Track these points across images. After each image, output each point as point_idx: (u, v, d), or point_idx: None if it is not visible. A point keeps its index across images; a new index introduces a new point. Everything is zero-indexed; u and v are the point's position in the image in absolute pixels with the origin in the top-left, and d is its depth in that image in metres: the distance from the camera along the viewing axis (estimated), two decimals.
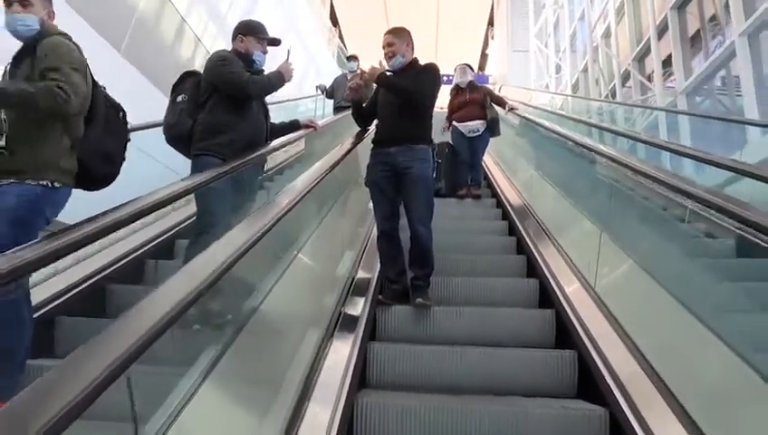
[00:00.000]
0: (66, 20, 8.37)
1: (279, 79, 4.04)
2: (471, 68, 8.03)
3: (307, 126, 4.69)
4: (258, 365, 2.55)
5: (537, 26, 26.31)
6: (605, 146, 4.81)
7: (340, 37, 31.01)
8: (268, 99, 4.27)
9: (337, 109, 9.54)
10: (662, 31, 13.04)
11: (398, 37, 4.39)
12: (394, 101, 4.38)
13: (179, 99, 3.96)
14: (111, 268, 4.36)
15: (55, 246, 1.83)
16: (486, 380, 3.46)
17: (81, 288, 4.00)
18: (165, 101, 9.23)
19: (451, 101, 7.94)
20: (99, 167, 3.00)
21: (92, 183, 3.06)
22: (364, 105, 4.80)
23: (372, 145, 4.58)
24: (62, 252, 1.86)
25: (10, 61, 2.91)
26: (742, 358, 2.32)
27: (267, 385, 2.58)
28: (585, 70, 18.43)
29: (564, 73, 21.66)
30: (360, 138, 4.95)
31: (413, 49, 4.48)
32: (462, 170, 7.68)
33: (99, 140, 2.97)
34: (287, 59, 4.16)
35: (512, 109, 7.89)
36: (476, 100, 7.62)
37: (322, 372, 3.01)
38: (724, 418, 2.40)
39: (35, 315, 3.41)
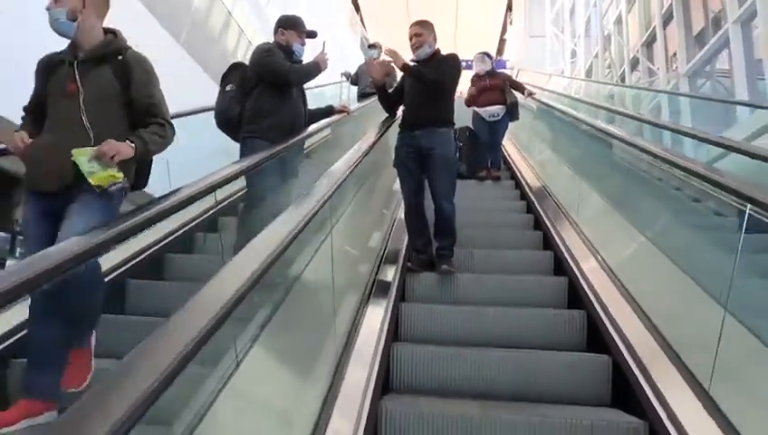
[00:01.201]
0: (138, 17, 8.90)
1: (316, 68, 4.17)
2: (489, 56, 7.95)
3: (341, 111, 4.76)
4: (307, 324, 2.75)
5: (553, 12, 25.82)
6: (613, 126, 4.91)
7: (362, 22, 30.54)
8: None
9: (361, 96, 9.32)
10: (668, 19, 13.07)
11: (425, 29, 4.48)
12: (420, 88, 4.45)
13: (228, 88, 4.12)
14: (167, 240, 4.54)
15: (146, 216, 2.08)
16: (503, 335, 3.59)
17: (143, 256, 4.21)
18: (213, 86, 9.52)
19: (471, 88, 7.84)
20: (140, 180, 2.93)
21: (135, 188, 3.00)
22: (390, 91, 4.92)
23: (399, 129, 4.68)
24: (148, 223, 2.08)
25: (65, 57, 2.70)
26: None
27: (317, 339, 2.78)
28: (598, 56, 18.27)
29: (579, 58, 21.30)
30: (388, 124, 4.99)
31: (436, 39, 4.55)
32: (482, 153, 7.64)
33: None
34: (323, 50, 4.26)
35: (530, 94, 7.82)
36: (496, 85, 7.56)
37: (361, 329, 3.22)
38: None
39: (107, 278, 3.64)
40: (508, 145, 9.12)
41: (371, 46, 9.40)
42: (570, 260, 4.34)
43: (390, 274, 4.17)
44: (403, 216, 4.70)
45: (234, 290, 1.41)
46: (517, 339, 3.56)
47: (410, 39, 4.51)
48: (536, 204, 6.05)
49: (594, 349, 3.36)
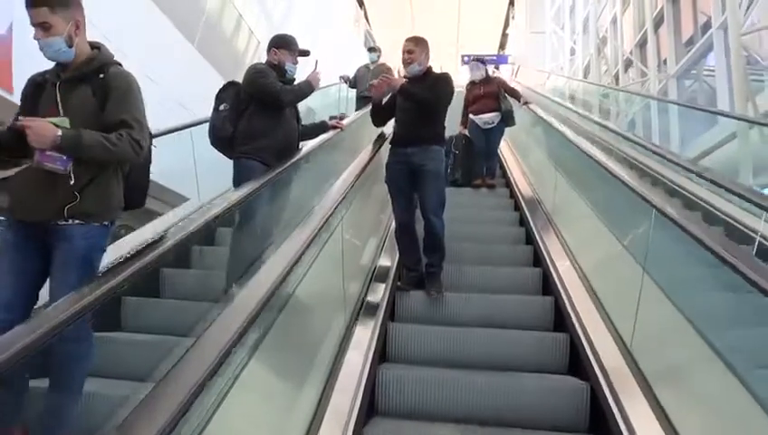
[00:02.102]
0: (155, 20, 8.93)
1: (308, 87, 4.12)
2: (483, 62, 7.71)
3: (334, 127, 4.67)
4: (294, 346, 2.68)
5: (554, 9, 25.35)
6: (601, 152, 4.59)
7: (366, 18, 29.93)
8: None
9: (360, 99, 9.12)
10: (659, 22, 13.01)
11: (417, 46, 4.34)
12: (412, 107, 4.33)
13: (222, 107, 4.02)
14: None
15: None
16: (488, 358, 3.54)
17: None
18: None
19: (467, 96, 7.61)
20: (137, 199, 2.80)
21: (131, 207, 2.84)
22: (383, 103, 4.70)
23: (390, 145, 4.55)
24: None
25: (49, 77, 2.54)
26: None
27: (306, 357, 2.77)
28: (598, 51, 18.09)
29: (577, 56, 20.99)
30: (379, 144, 4.87)
31: (429, 58, 4.41)
32: (477, 161, 7.42)
33: (139, 175, 2.77)
34: (315, 69, 4.22)
35: (526, 103, 7.44)
36: (490, 93, 7.31)
37: (349, 350, 3.18)
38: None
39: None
40: (504, 150, 8.83)
41: (371, 49, 9.47)
42: (556, 279, 4.23)
43: (379, 294, 4.08)
44: (394, 233, 4.59)
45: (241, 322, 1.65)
46: (502, 362, 3.51)
47: (402, 54, 4.40)
48: (527, 209, 6.01)
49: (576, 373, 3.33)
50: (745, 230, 4.84)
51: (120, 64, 2.64)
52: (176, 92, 8.74)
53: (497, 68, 25.34)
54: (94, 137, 2.37)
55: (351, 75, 9.50)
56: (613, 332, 3.25)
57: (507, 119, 7.29)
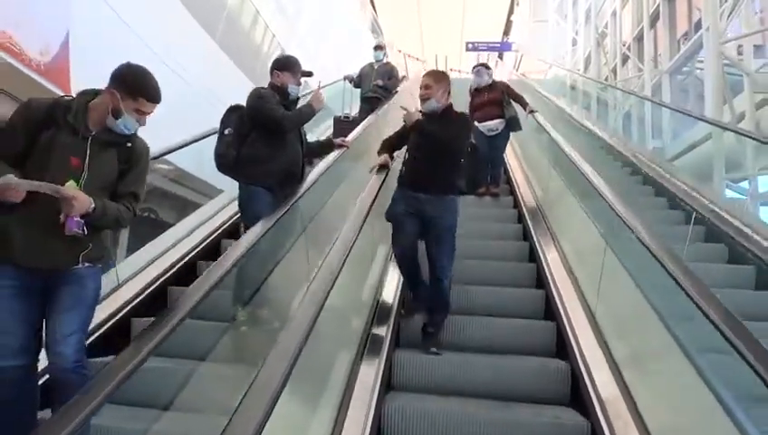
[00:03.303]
0: (181, 18, 9.31)
1: (310, 111, 4.00)
2: (487, 67, 7.41)
3: (340, 145, 4.48)
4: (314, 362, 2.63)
5: None
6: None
7: (372, 4, 29.32)
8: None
9: (364, 99, 8.70)
10: (655, 18, 13.07)
11: (436, 82, 3.90)
12: (426, 147, 3.91)
13: (226, 132, 3.90)
14: (170, 272, 4.45)
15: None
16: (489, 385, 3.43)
17: (146, 293, 4.10)
18: (245, 79, 9.32)
19: (471, 102, 7.22)
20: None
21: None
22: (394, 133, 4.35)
23: (398, 183, 4.06)
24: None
25: (76, 125, 2.44)
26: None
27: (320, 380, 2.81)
28: (597, 45, 17.95)
29: (579, 47, 20.53)
30: (382, 178, 4.19)
31: (449, 95, 3.95)
32: (482, 169, 6.51)
33: None
34: (317, 89, 4.15)
35: (531, 112, 7.05)
36: (494, 99, 6.98)
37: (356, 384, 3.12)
38: None
39: (114, 318, 3.68)
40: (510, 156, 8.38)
41: (377, 48, 9.10)
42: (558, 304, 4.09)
43: (383, 329, 3.83)
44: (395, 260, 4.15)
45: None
46: (503, 391, 3.40)
47: (420, 88, 4.00)
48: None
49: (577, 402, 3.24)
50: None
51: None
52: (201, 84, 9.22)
53: (501, 57, 25.48)
54: (113, 211, 2.46)
55: (356, 74, 8.98)
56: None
57: (513, 125, 6.95)
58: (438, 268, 3.80)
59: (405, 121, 4.11)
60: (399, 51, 25.93)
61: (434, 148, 3.86)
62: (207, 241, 5.01)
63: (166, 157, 4.90)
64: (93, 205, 2.32)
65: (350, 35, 21.83)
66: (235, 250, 2.88)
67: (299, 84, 4.04)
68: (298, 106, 4.06)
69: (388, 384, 3.41)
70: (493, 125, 6.92)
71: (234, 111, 3.96)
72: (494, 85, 7.18)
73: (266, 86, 4.02)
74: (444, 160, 3.86)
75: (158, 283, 4.29)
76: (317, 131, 8.80)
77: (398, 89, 9.32)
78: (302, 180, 4.00)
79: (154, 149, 2.98)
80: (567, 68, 16.63)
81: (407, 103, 6.09)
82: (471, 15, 29.31)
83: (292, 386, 1.86)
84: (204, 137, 4.97)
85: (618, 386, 2.97)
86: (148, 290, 4.16)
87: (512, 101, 7.05)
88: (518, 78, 15.47)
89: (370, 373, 3.21)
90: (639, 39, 13.98)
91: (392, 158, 4.30)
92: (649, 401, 2.74)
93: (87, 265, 2.44)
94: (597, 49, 17.60)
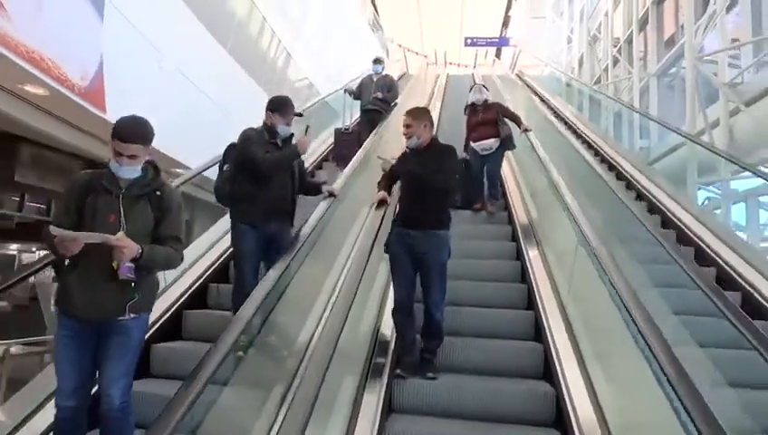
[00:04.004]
0: (195, 30, 9.71)
1: (292, 155, 4.06)
2: (486, 88, 7.43)
3: (331, 194, 4.51)
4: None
5: None
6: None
7: (373, 3, 29.01)
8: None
9: (364, 111, 8.72)
10: (644, 22, 13.23)
11: (415, 120, 4.03)
12: (411, 185, 4.04)
13: (225, 168, 4.05)
14: (185, 296, 4.56)
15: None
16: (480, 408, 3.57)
17: (164, 318, 4.25)
18: (253, 85, 10.30)
19: (468, 121, 7.28)
20: None
21: None
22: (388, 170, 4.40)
23: (393, 222, 4.15)
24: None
25: (109, 186, 2.66)
26: None
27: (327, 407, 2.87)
28: (590, 44, 18.03)
29: (574, 45, 20.48)
30: (381, 215, 4.21)
31: (431, 128, 4.10)
32: (476, 186, 7.02)
33: None
34: (305, 133, 4.19)
35: (526, 130, 7.04)
36: (489, 119, 6.98)
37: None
38: None
39: None
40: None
41: (376, 61, 9.09)
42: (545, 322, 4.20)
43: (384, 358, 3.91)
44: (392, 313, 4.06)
45: None
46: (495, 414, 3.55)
47: (402, 127, 4.12)
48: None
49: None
50: None
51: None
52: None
53: (498, 56, 25.56)
54: (161, 253, 2.67)
55: (356, 85, 9.05)
56: None
57: (507, 143, 6.97)
58: (431, 303, 3.88)
59: (383, 170, 4.33)
60: (400, 45, 26.16)
61: (418, 186, 3.96)
62: (217, 264, 5.07)
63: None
64: (141, 249, 2.53)
65: (351, 34, 21.97)
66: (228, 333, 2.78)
67: (289, 125, 4.13)
68: (293, 142, 4.15)
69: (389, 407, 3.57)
70: (487, 145, 6.91)
71: (233, 147, 4.05)
72: (488, 106, 7.18)
73: (260, 124, 4.14)
74: (427, 197, 3.92)
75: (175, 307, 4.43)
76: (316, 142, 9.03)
77: (399, 89, 9.48)
78: (292, 215, 4.10)
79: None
80: (561, 70, 16.75)
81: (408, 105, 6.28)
82: (470, 10, 29.20)
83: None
84: (209, 167, 5.15)
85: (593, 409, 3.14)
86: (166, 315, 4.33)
87: (506, 120, 7.06)
88: (514, 78, 15.75)
89: (373, 399, 3.40)
90: (629, 42, 14.11)
91: (390, 194, 4.35)
92: (620, 419, 2.98)
93: (132, 315, 2.61)
94: (590, 48, 17.69)
